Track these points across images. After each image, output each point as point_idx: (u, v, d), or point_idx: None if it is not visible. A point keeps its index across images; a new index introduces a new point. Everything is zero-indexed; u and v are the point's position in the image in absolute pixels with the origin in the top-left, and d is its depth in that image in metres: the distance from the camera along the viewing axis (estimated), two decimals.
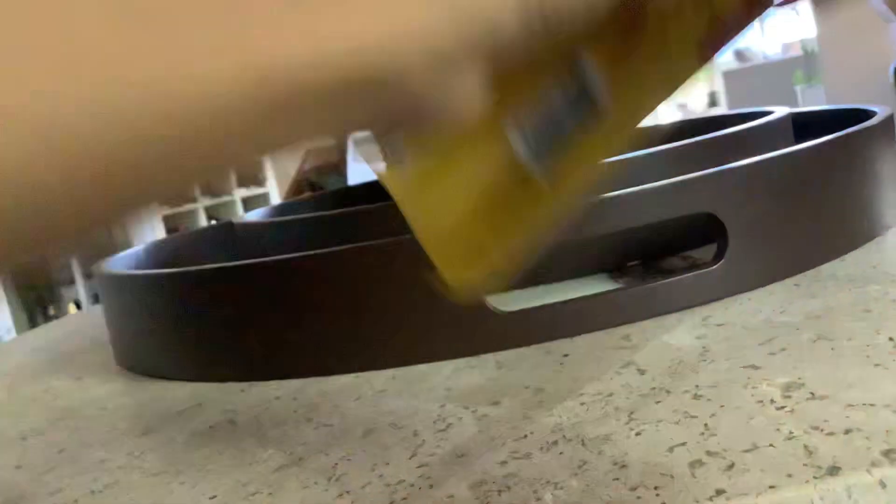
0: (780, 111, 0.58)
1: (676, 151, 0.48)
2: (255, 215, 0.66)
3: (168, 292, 0.45)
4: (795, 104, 3.84)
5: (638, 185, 0.39)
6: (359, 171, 3.70)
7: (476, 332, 0.38)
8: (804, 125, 0.63)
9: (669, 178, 0.40)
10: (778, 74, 4.95)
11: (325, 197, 0.77)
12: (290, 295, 0.40)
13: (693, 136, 0.58)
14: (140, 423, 0.39)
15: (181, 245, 0.69)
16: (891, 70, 2.58)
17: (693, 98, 6.84)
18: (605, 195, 0.39)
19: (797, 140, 0.60)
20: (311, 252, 0.40)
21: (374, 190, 0.78)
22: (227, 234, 0.68)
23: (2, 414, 0.47)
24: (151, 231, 4.20)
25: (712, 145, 0.50)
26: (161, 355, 0.46)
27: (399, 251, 0.38)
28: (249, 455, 0.32)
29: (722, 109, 5.89)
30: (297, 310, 0.40)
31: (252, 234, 0.59)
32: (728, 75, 5.32)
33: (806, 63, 4.43)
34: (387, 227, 0.49)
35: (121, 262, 0.59)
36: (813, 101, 3.67)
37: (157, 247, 0.66)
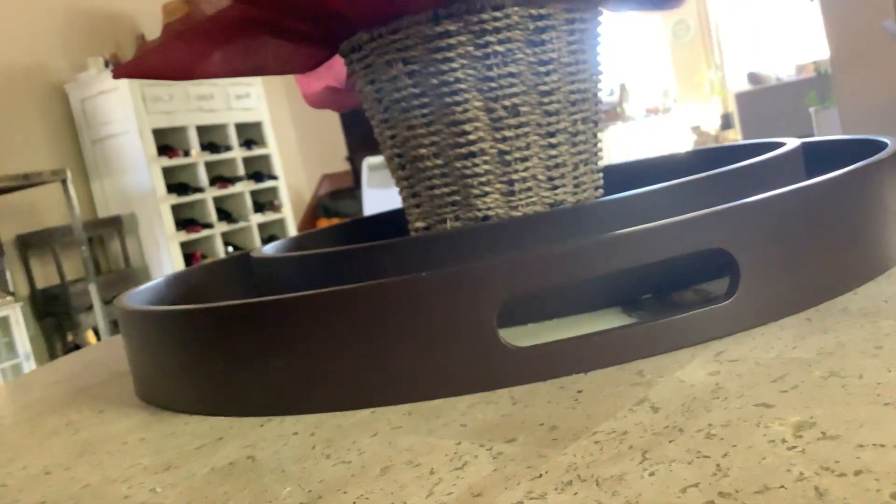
0: (791, 143, 0.58)
1: (690, 185, 0.49)
2: (271, 249, 0.67)
3: (187, 328, 0.46)
4: (809, 126, 3.83)
5: (651, 220, 0.40)
6: (373, 197, 3.73)
7: (490, 368, 0.39)
8: (816, 155, 0.64)
9: (682, 212, 0.41)
10: (791, 96, 4.95)
11: (340, 228, 0.78)
12: (307, 331, 0.41)
13: (706, 166, 0.58)
14: (161, 459, 0.40)
15: (199, 278, 0.70)
16: None
17: (707, 120, 6.86)
18: (618, 232, 0.39)
19: (809, 171, 0.60)
20: (328, 289, 0.41)
21: (389, 221, 0.79)
22: (244, 267, 0.69)
23: (25, 448, 0.47)
24: (168, 256, 4.24)
25: (725, 179, 0.50)
26: (181, 390, 0.47)
27: (414, 288, 0.39)
28: (270, 493, 0.32)
29: (736, 131, 5.89)
30: (313, 346, 0.41)
31: (268, 268, 0.60)
32: (741, 97, 5.32)
33: (819, 85, 4.43)
34: (402, 263, 0.50)
35: (141, 296, 0.60)
36: (826, 123, 3.66)
37: (176, 279, 0.67)
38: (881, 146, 0.54)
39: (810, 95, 3.98)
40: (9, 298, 3.44)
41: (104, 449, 0.43)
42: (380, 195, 3.63)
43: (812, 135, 3.82)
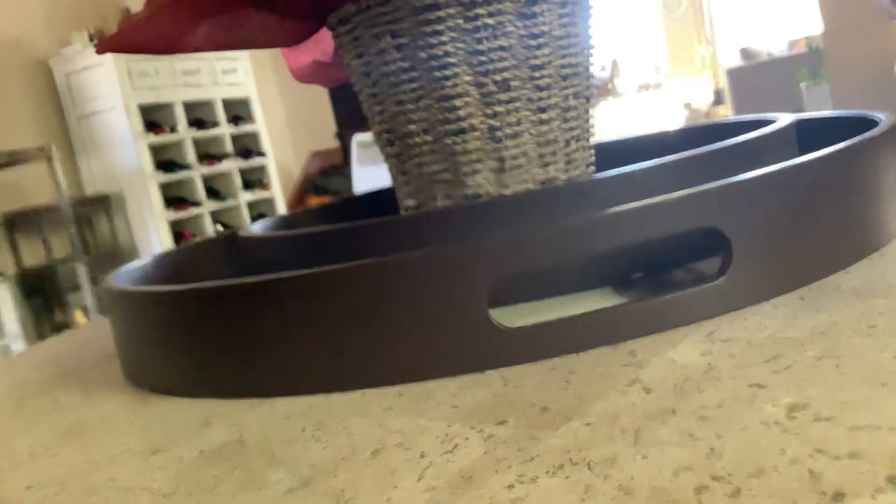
0: (784, 119, 0.58)
1: (682, 162, 0.48)
2: (259, 228, 0.66)
3: (175, 309, 0.45)
4: (800, 101, 3.83)
5: (643, 198, 0.39)
6: (363, 175, 3.71)
7: (481, 348, 0.38)
8: (809, 131, 0.63)
9: (674, 189, 0.40)
10: (783, 72, 4.94)
11: (329, 207, 0.78)
12: (296, 312, 0.41)
13: (698, 143, 0.58)
14: (149, 441, 0.39)
15: (187, 257, 0.69)
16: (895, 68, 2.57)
17: (698, 96, 6.84)
18: (610, 210, 0.39)
19: (801, 147, 0.60)
20: (318, 269, 0.40)
21: (378, 200, 0.79)
22: (232, 246, 0.68)
23: (11, 429, 0.47)
24: (157, 235, 4.21)
25: (717, 156, 0.50)
26: (169, 372, 0.47)
27: (405, 268, 0.39)
28: (259, 477, 0.32)
29: (727, 107, 5.88)
30: (302, 326, 0.40)
31: (256, 247, 0.59)
32: (733, 73, 5.31)
33: (811, 61, 4.42)
34: (391, 243, 0.49)
35: (128, 276, 0.59)
36: (818, 99, 3.65)
37: (164, 259, 0.66)
38: (874, 123, 0.53)
39: (802, 71, 3.97)
40: None
41: (91, 431, 0.43)
42: (370, 172, 3.61)
43: (803, 110, 3.82)
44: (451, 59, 0.52)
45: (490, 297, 0.38)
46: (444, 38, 0.52)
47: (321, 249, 0.52)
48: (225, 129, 4.66)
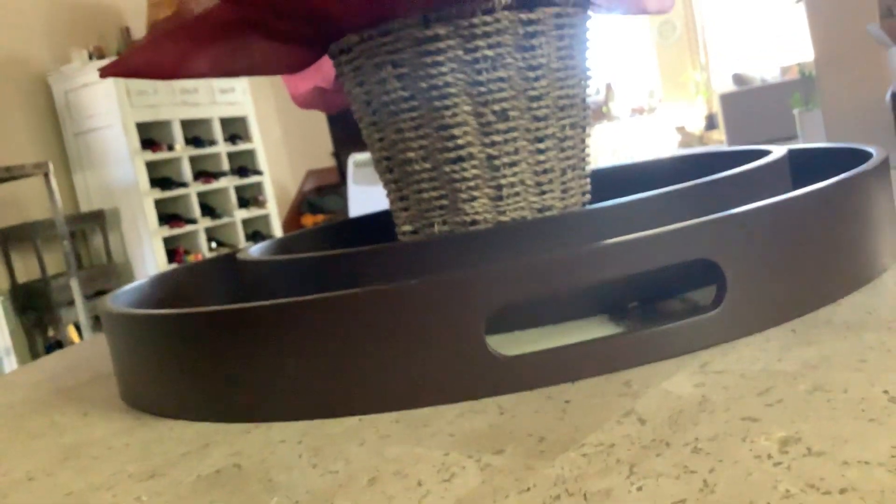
0: (777, 151, 0.59)
1: (676, 194, 0.49)
2: (257, 251, 0.67)
3: (173, 332, 0.46)
4: (793, 127, 3.86)
5: (638, 229, 0.40)
6: (359, 194, 3.72)
7: (478, 376, 0.39)
8: (801, 163, 0.64)
9: (668, 220, 0.41)
10: (776, 97, 4.99)
11: (326, 230, 0.78)
12: (294, 337, 0.41)
13: (691, 172, 0.59)
14: (146, 465, 0.39)
15: (185, 278, 0.69)
16: (888, 95, 2.60)
17: (691, 120, 6.89)
18: (607, 242, 0.39)
19: (794, 178, 0.61)
20: (316, 296, 0.41)
21: (375, 222, 0.79)
22: (229, 267, 0.69)
23: (9, 451, 0.47)
24: (151, 251, 4.21)
25: (712, 187, 0.50)
26: (166, 394, 0.47)
27: (403, 296, 0.39)
28: (257, 503, 0.32)
29: (720, 131, 5.92)
30: (300, 352, 0.41)
31: (254, 270, 0.59)
32: (726, 98, 5.35)
33: (803, 87, 4.47)
34: (390, 269, 0.50)
35: (125, 297, 0.60)
36: (810, 125, 3.69)
37: (162, 280, 0.67)
38: (866, 156, 0.54)
39: (794, 97, 4.01)
40: None
41: (89, 454, 0.43)
42: (365, 192, 3.62)
43: (795, 135, 3.85)
44: (451, 90, 0.53)
45: (486, 325, 0.39)
46: (444, 69, 0.53)
47: (319, 274, 0.53)
48: (222, 148, 4.67)
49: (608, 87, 7.04)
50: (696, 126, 6.90)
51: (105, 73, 0.59)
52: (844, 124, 2.94)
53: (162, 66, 0.59)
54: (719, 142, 6.20)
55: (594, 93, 6.83)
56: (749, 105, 5.18)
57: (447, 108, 0.54)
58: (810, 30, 3.01)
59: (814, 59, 3.06)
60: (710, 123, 6.76)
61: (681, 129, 6.81)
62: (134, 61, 0.58)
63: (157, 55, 0.57)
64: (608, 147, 6.55)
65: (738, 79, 5.79)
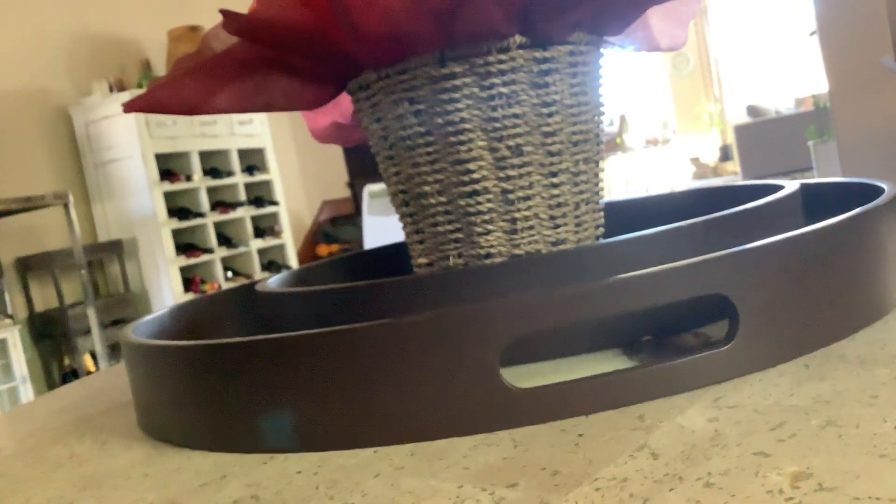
0: (790, 186, 0.59)
1: (689, 229, 0.50)
2: (275, 283, 0.68)
3: (193, 364, 0.46)
4: (808, 159, 3.85)
5: (651, 263, 0.41)
6: (374, 224, 3.75)
7: (493, 409, 0.39)
8: (814, 197, 0.65)
9: (682, 255, 0.42)
10: (790, 129, 4.98)
11: (342, 261, 0.79)
12: (311, 369, 0.42)
13: (704, 206, 0.59)
14: (165, 495, 0.40)
15: (204, 309, 0.70)
16: None
17: (706, 152, 6.90)
18: (621, 276, 0.40)
19: (807, 213, 0.61)
20: (333, 328, 0.41)
21: (391, 254, 0.80)
22: (248, 299, 0.70)
23: (29, 479, 0.48)
24: (168, 280, 4.24)
25: (726, 222, 0.51)
26: (185, 425, 0.48)
27: (419, 329, 0.40)
28: None
29: (735, 163, 5.92)
30: (317, 384, 0.42)
31: (272, 302, 0.60)
32: (740, 129, 5.36)
33: (818, 119, 4.47)
34: (407, 301, 0.50)
35: (145, 328, 0.60)
36: (825, 157, 3.68)
37: (181, 310, 0.68)
38: (878, 191, 0.55)
39: (809, 129, 4.01)
40: (7, 321, 3.44)
41: (108, 483, 0.43)
42: (380, 222, 3.64)
43: (811, 167, 3.85)
44: (467, 125, 0.54)
45: (501, 358, 0.39)
46: (459, 105, 0.54)
47: (336, 306, 0.54)
48: (239, 179, 4.72)
49: (622, 119, 7.07)
50: (711, 157, 6.91)
51: (128, 108, 0.60)
52: (859, 156, 2.93)
53: (183, 102, 0.60)
54: (734, 173, 6.20)
55: (608, 124, 6.87)
56: (764, 136, 5.18)
57: (462, 143, 0.55)
58: (824, 61, 3.02)
59: (828, 90, 3.06)
60: (725, 155, 6.77)
61: (695, 161, 6.82)
62: (156, 97, 0.60)
63: (179, 91, 0.59)
64: (622, 178, 6.56)
65: (753, 110, 5.81)
